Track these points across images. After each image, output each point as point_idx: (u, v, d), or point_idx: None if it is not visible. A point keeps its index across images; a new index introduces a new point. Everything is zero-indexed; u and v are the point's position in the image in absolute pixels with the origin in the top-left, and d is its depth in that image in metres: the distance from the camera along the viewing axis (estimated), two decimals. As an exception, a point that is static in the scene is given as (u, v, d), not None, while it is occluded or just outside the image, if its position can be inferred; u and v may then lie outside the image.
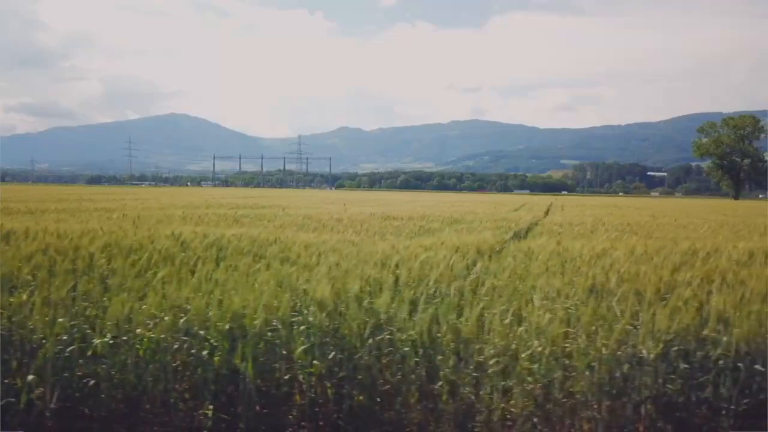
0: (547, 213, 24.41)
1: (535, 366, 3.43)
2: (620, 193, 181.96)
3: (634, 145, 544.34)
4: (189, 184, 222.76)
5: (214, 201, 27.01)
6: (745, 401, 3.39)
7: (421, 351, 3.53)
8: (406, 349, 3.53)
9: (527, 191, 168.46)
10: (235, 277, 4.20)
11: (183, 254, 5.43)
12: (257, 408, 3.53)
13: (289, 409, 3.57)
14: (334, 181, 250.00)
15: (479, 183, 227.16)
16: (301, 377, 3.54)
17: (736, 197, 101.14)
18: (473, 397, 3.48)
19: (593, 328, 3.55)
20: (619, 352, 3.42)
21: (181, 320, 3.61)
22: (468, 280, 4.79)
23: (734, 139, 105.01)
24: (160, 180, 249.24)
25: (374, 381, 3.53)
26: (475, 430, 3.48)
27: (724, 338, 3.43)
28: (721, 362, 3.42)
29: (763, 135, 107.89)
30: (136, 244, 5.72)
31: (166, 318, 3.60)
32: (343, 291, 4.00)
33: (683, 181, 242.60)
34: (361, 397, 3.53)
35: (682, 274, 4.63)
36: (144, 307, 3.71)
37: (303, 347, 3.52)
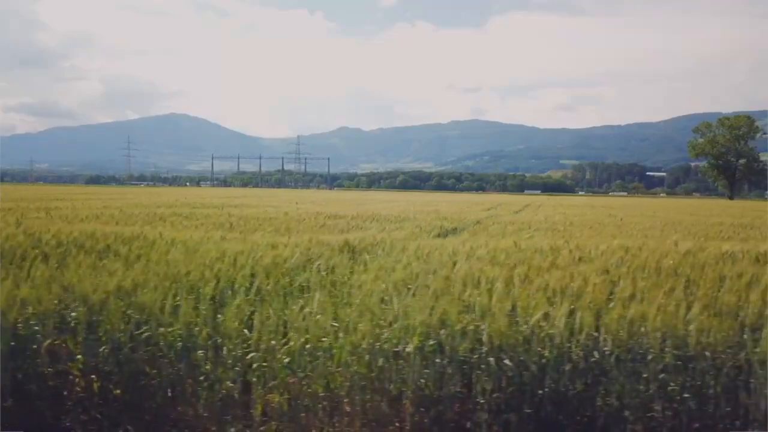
0: (516, 212, 24.47)
1: (290, 360, 3.43)
2: (616, 193, 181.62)
3: (634, 146, 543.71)
4: (188, 184, 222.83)
5: (186, 201, 27.07)
6: (495, 395, 3.39)
7: (180, 346, 3.53)
8: (163, 344, 3.53)
9: (538, 191, 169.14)
10: (41, 270, 4.20)
11: (35, 250, 5.45)
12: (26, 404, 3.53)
13: (59, 405, 3.57)
14: (333, 181, 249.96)
15: (478, 183, 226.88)
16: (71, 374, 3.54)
17: (731, 197, 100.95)
18: (236, 394, 3.48)
19: (357, 322, 3.54)
20: (377, 346, 3.42)
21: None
22: (302, 276, 4.79)
23: (729, 139, 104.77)
24: (159, 180, 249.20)
25: (137, 376, 3.53)
26: (235, 424, 3.48)
27: (484, 332, 3.42)
28: (476, 356, 3.41)
29: (758, 135, 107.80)
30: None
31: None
32: (142, 284, 4.01)
33: (683, 181, 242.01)
34: (123, 393, 3.53)
35: (498, 270, 4.62)
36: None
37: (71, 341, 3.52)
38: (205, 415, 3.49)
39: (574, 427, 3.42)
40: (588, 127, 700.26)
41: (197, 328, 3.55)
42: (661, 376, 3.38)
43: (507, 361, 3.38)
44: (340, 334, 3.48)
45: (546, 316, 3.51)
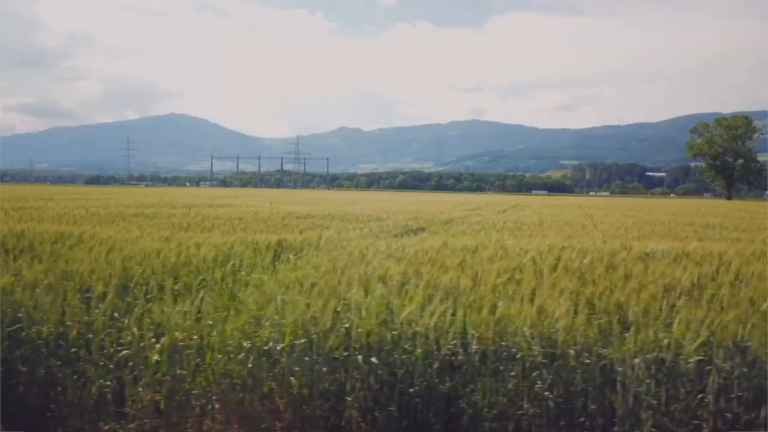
0: (500, 212, 24.49)
1: (161, 358, 3.44)
2: (615, 194, 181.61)
3: (634, 146, 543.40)
4: (187, 184, 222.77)
5: (168, 201, 27.07)
6: (362, 393, 3.39)
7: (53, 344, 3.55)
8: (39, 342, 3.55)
9: (545, 191, 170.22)
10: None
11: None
12: None
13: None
14: (333, 181, 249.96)
15: (477, 183, 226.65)
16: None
17: (728, 197, 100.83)
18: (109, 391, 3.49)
19: (233, 320, 3.55)
20: (246, 345, 3.42)
21: None
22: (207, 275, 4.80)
23: (727, 140, 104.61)
24: (159, 180, 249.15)
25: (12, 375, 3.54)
26: (108, 421, 3.49)
27: (358, 331, 3.43)
28: (345, 354, 3.41)
29: (755, 135, 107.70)
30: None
31: None
32: (38, 283, 4.02)
33: (682, 181, 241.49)
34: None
35: (402, 267, 4.62)
36: None
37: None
38: (79, 412, 3.50)
39: (445, 425, 3.42)
40: (588, 127, 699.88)
41: (68, 325, 3.55)
42: (532, 374, 3.38)
43: (374, 359, 3.39)
44: (213, 333, 3.49)
45: (415, 314, 3.51)
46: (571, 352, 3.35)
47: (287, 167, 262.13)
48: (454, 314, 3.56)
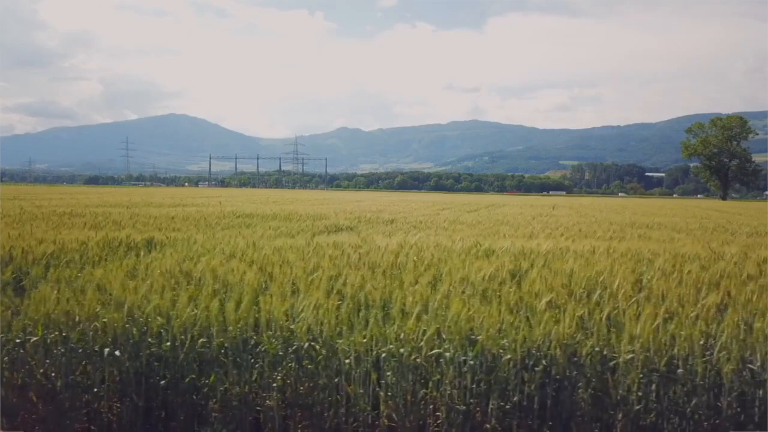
0: (470, 212, 24.58)
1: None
2: (613, 194, 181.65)
3: (633, 146, 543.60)
4: (186, 184, 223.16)
5: (138, 201, 27.14)
6: (104, 385, 3.46)
7: None
8: None
9: (562, 192, 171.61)
10: None
11: None
12: None
13: None
14: (332, 182, 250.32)
15: (476, 184, 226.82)
16: None
17: (723, 197, 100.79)
18: None
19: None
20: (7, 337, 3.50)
21: None
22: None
23: (722, 140, 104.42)
24: (158, 180, 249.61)
25: None
26: None
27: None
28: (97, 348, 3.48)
29: (750, 136, 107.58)
30: None
31: None
32: None
33: (681, 181, 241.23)
34: None
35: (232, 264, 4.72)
36: None
37: None
38: None
39: (190, 415, 3.50)
40: (587, 128, 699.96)
41: None
42: (277, 367, 3.45)
43: (117, 353, 3.46)
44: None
45: (167, 308, 3.59)
46: (306, 345, 3.43)
47: (286, 167, 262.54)
48: (207, 308, 3.60)
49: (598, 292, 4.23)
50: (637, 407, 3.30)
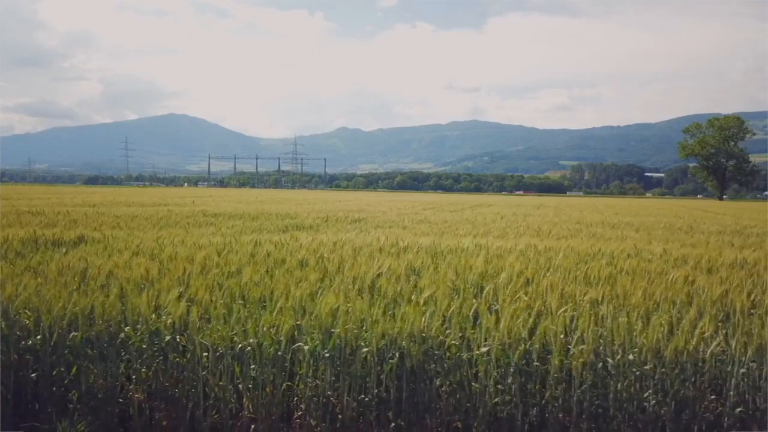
0: (452, 212, 24.67)
1: None
2: (613, 194, 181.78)
3: (633, 146, 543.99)
4: (185, 184, 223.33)
5: (114, 200, 27.23)
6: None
7: None
8: None
9: (580, 193, 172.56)
10: None
11: None
12: None
13: None
14: (332, 182, 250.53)
15: (476, 184, 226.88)
16: None
17: (721, 198, 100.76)
18: None
19: None
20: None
21: None
22: None
23: (719, 140, 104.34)
24: (157, 180, 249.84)
25: None
26: None
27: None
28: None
29: (747, 136, 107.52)
30: None
31: None
32: None
33: (681, 182, 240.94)
34: None
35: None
36: None
37: None
38: None
39: (63, 406, 3.57)
40: (587, 128, 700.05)
41: None
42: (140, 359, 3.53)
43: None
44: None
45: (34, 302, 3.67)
46: (167, 338, 3.50)
47: (286, 168, 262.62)
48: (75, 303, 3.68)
49: (488, 288, 4.30)
50: (495, 400, 3.37)
